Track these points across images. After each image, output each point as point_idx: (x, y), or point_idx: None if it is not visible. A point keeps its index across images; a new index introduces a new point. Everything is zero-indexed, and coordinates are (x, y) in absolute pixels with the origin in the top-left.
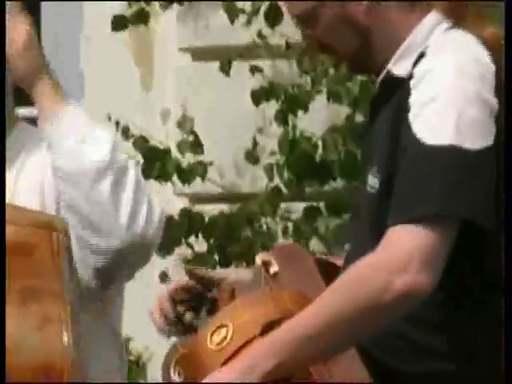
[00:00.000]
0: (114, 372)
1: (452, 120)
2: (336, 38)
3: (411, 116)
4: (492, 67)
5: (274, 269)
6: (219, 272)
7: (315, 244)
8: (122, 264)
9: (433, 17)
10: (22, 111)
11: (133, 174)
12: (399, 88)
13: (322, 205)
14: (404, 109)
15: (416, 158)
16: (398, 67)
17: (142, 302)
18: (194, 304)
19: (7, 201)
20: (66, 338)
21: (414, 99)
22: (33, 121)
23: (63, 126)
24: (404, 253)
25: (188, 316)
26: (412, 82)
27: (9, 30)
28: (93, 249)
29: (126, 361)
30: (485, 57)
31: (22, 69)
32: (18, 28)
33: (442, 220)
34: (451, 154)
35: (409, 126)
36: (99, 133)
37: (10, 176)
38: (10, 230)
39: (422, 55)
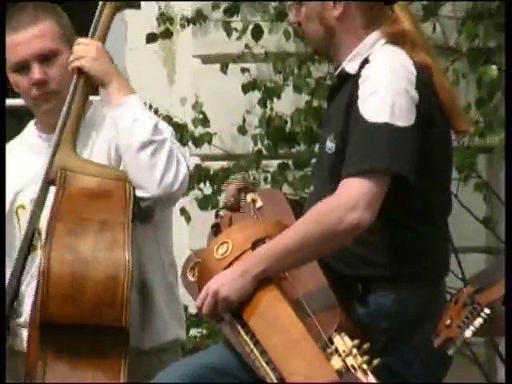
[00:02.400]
0: (169, 276)
1: (388, 106)
2: (311, 26)
3: (359, 103)
4: (414, 71)
5: (258, 204)
6: None
7: (286, 189)
8: (154, 207)
9: (376, 34)
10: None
11: (168, 146)
12: (349, 81)
13: (290, 162)
14: (354, 98)
15: (362, 130)
16: (349, 66)
17: None
18: None
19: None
20: (127, 256)
21: (361, 92)
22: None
23: (123, 111)
24: (353, 197)
25: None
26: (360, 80)
27: (84, 48)
28: (138, 197)
29: (176, 270)
30: (410, 64)
31: (97, 74)
32: (89, 45)
33: (379, 174)
34: (387, 129)
35: (358, 109)
36: (147, 116)
37: (87, 147)
38: (95, 180)
39: (366, 59)
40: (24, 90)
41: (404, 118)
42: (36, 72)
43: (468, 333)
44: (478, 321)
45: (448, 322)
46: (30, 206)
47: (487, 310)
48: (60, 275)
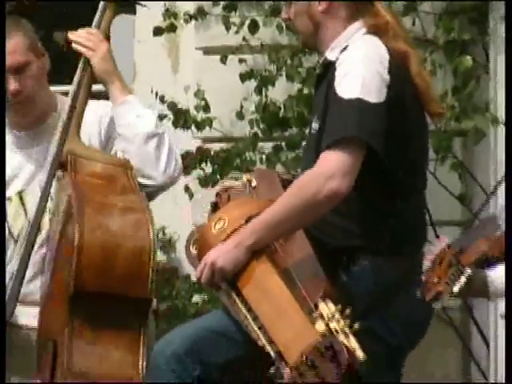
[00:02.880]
0: None
1: (360, 83)
2: (299, 21)
3: (336, 83)
4: (387, 56)
5: (254, 184)
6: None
7: (279, 168)
8: (157, 192)
9: (357, 25)
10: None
11: (168, 139)
12: (331, 68)
13: (283, 144)
14: (332, 79)
15: (337, 106)
16: (331, 54)
17: (174, 204)
18: None
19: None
20: (151, 233)
21: (337, 73)
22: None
23: (126, 108)
24: (330, 167)
25: None
26: (337, 63)
27: (94, 45)
28: (140, 184)
29: None
30: (384, 50)
31: (101, 73)
32: (100, 45)
33: (352, 144)
34: (358, 103)
35: (334, 89)
36: (148, 112)
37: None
38: (104, 166)
39: (346, 47)
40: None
41: (374, 94)
42: (12, 84)
43: (455, 288)
44: (463, 278)
45: (435, 279)
46: (16, 198)
47: (469, 270)
48: (93, 249)
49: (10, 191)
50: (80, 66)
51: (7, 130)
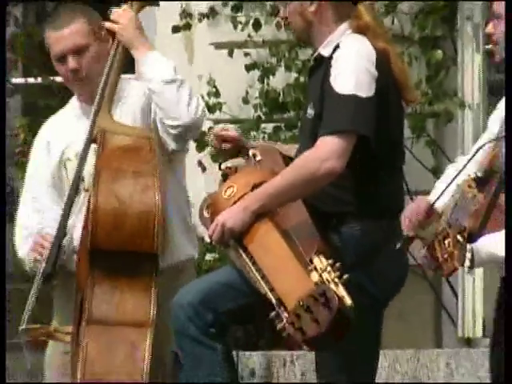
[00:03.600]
0: (183, 209)
1: (353, 81)
2: (294, 20)
3: (331, 78)
4: (374, 53)
5: (258, 157)
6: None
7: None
8: (186, 132)
9: (345, 25)
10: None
11: (187, 85)
12: (324, 62)
13: (282, 125)
14: (328, 74)
15: (334, 100)
16: (324, 51)
17: (189, 176)
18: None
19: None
20: (157, 197)
21: (333, 69)
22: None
23: (150, 61)
24: (327, 150)
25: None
26: (332, 61)
27: (117, 17)
28: (169, 125)
29: (189, 204)
30: (371, 48)
31: (125, 41)
32: (122, 15)
33: (347, 133)
34: (352, 98)
35: (330, 83)
36: (168, 63)
37: (116, 115)
38: (128, 138)
39: (337, 45)
40: (63, 76)
41: (366, 90)
42: (71, 62)
43: (467, 263)
44: (468, 254)
45: (445, 256)
46: (74, 158)
47: (469, 246)
48: (106, 213)
49: (71, 152)
50: (111, 46)
51: (76, 104)
